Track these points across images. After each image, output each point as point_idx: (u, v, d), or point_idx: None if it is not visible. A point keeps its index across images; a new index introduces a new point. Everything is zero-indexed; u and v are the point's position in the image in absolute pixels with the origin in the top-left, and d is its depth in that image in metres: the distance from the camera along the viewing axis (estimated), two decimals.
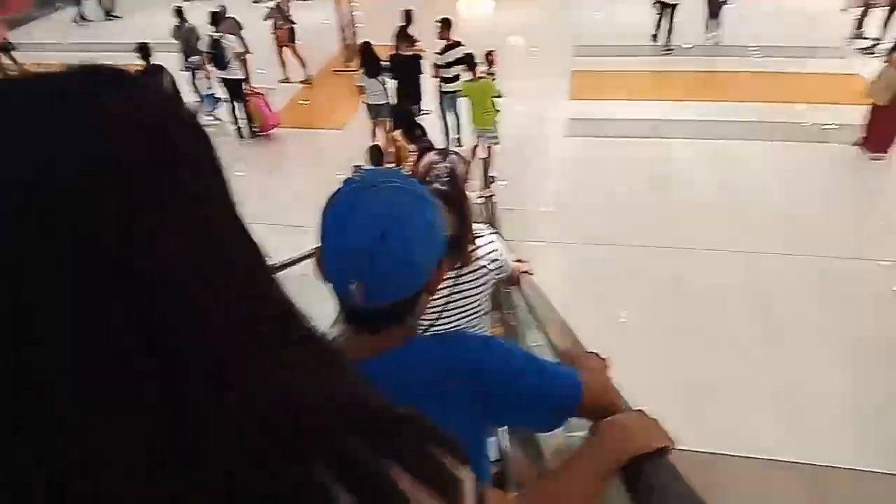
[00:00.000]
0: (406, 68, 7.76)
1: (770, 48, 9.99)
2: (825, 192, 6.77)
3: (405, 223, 0.92)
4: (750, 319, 5.15)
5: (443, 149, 2.10)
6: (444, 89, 7.78)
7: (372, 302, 0.92)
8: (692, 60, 10.03)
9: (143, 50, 7.39)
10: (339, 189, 0.96)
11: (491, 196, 6.04)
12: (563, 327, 1.72)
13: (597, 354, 1.28)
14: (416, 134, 6.54)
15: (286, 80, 10.28)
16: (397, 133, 6.62)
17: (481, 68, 7.24)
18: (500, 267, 2.04)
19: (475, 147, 7.34)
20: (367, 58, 7.85)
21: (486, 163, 7.20)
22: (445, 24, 7.70)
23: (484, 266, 1.96)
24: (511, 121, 7.70)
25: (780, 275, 5.64)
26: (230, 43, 8.25)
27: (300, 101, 9.80)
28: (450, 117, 7.95)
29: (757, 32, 10.42)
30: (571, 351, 1.39)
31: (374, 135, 7.99)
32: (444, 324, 1.83)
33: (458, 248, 1.76)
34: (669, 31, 10.31)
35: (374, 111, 8.03)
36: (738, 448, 3.95)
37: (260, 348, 0.45)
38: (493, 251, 2.02)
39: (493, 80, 7.20)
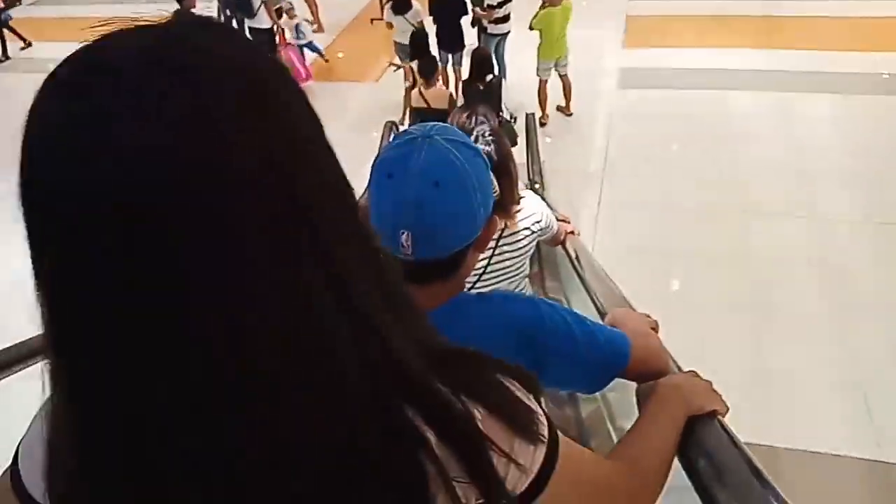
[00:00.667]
0: (446, 9, 7.23)
1: None
2: None
3: (458, 175, 0.92)
4: (819, 295, 4.51)
5: (469, 108, 1.93)
6: (492, 31, 7.18)
7: (421, 254, 0.92)
8: (760, 4, 9.15)
9: None
10: (392, 140, 0.98)
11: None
12: (609, 288, 1.69)
13: (647, 316, 1.29)
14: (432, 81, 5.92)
15: (319, 30, 9.80)
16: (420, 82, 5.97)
17: None
18: (542, 229, 2.02)
19: (544, 83, 6.92)
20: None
21: (568, 91, 6.98)
22: None
23: (527, 228, 1.94)
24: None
25: (855, 244, 4.99)
26: None
27: (337, 54, 9.32)
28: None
29: None
30: (618, 312, 1.37)
31: (406, 77, 7.46)
32: (484, 286, 1.79)
33: (504, 209, 1.68)
34: None
35: (403, 51, 7.45)
36: (801, 442, 3.43)
37: (386, 302, 0.50)
38: (535, 212, 1.99)
39: None
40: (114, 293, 0.39)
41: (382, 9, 8.87)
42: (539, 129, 6.03)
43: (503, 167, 1.70)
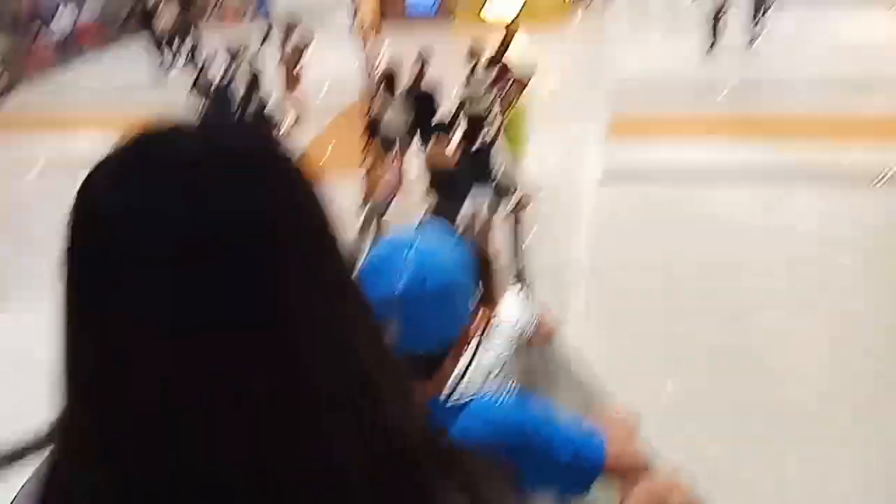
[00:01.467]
0: (420, 105, 7.24)
1: (827, 83, 9.54)
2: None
3: (444, 273, 0.98)
4: (830, 397, 4.33)
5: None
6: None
7: (405, 348, 0.85)
8: (741, 101, 9.53)
9: None
10: (379, 242, 1.09)
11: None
12: (589, 388, 1.75)
13: (624, 412, 1.31)
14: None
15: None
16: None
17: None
18: (524, 328, 2.05)
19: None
20: (386, 85, 7.39)
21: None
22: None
23: (509, 326, 1.97)
24: (541, 169, 7.10)
25: (862, 343, 4.81)
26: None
27: (328, 144, 9.24)
28: None
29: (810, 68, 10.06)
30: (597, 411, 1.45)
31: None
32: (466, 386, 1.78)
33: (487, 306, 1.69)
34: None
35: (386, 142, 7.39)
36: None
37: (388, 385, 0.53)
38: (517, 311, 2.03)
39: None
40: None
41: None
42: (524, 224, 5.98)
43: (486, 265, 1.77)
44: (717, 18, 11.32)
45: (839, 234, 6.23)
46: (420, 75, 7.42)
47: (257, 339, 0.44)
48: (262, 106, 8.11)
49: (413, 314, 0.92)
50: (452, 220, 5.42)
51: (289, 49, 9.57)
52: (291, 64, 9.49)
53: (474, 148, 5.64)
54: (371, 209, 6.05)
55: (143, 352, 0.43)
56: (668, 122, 8.89)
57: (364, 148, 6.52)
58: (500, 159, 5.67)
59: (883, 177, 7.04)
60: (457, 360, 1.05)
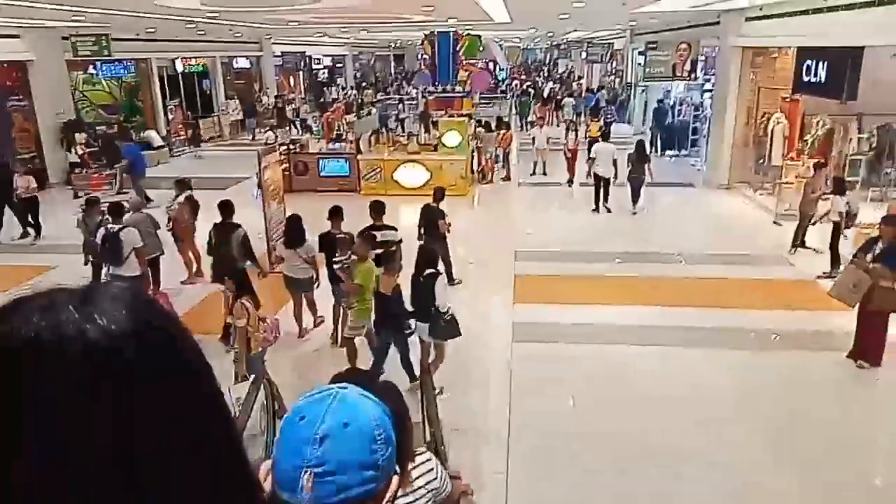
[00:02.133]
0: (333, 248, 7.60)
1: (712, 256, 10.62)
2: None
3: (367, 423, 0.97)
4: None
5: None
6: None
7: (320, 498, 0.92)
8: (630, 265, 10.36)
9: None
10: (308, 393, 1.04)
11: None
12: None
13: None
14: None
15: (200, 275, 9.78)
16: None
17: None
18: (437, 489, 2.04)
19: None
20: (292, 228, 7.88)
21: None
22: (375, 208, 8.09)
23: (423, 487, 1.96)
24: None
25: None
26: (131, 237, 7.85)
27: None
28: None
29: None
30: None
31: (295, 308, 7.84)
32: None
33: (401, 465, 1.82)
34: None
35: (294, 284, 7.82)
36: None
37: None
38: (430, 470, 2.03)
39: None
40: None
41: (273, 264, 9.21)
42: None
43: (402, 424, 1.71)
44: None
45: (724, 386, 6.83)
46: (334, 224, 7.85)
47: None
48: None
49: (330, 457, 0.92)
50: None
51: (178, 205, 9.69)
52: (182, 218, 9.63)
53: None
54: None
55: None
56: (568, 284, 9.56)
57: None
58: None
59: (775, 336, 7.84)
60: None
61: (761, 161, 14.53)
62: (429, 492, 2.01)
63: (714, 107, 16.67)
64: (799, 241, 10.72)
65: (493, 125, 17.81)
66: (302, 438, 0.95)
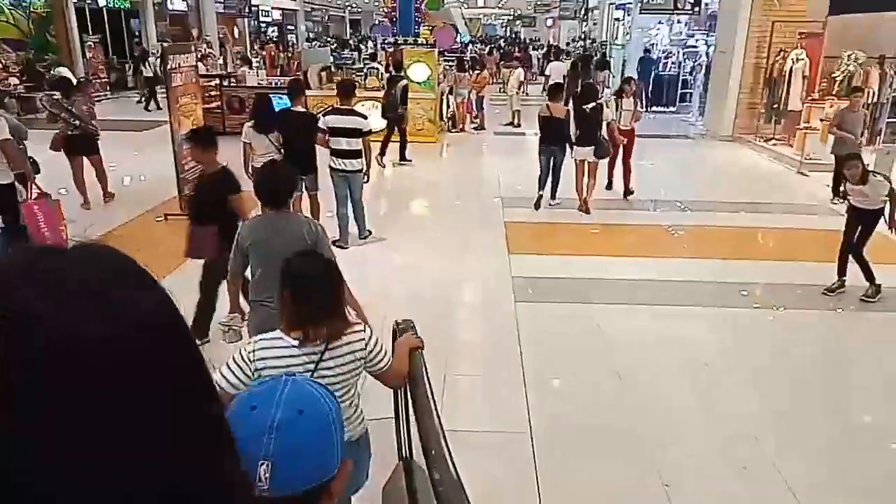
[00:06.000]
0: (296, 126, 6.68)
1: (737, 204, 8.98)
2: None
3: (320, 407, 0.99)
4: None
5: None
6: (334, 165, 6.82)
7: (277, 487, 0.91)
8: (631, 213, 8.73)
9: None
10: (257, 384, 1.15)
11: None
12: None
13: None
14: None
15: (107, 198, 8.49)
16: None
17: None
18: (370, 353, 2.24)
19: None
20: (260, 108, 6.80)
21: None
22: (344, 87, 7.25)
23: (349, 345, 2.18)
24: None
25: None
26: None
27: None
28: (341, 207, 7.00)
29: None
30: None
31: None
32: None
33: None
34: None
35: None
36: None
37: None
38: (361, 340, 2.22)
39: None
40: None
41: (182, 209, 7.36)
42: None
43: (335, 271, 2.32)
44: None
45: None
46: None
47: None
48: None
49: (287, 446, 0.93)
50: None
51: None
52: None
53: None
54: None
55: None
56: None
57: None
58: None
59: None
60: None
61: (776, 106, 12.59)
62: (357, 353, 2.19)
63: (718, 44, 14.56)
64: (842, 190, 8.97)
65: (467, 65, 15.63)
66: (256, 430, 0.93)
